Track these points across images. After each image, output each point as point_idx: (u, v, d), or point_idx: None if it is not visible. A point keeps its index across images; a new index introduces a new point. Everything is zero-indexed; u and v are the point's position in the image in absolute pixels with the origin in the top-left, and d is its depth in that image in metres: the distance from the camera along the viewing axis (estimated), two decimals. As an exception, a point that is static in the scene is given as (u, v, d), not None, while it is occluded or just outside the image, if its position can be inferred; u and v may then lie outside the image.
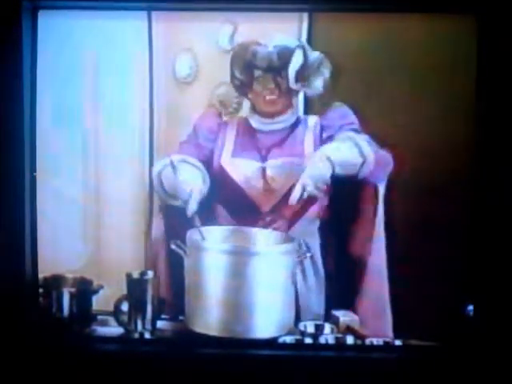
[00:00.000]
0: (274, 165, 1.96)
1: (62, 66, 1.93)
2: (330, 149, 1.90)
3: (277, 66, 1.91)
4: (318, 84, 1.92)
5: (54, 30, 1.90)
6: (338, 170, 1.88)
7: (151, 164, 1.99)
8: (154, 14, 1.93)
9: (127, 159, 1.98)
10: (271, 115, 1.97)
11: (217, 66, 1.93)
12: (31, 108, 1.87)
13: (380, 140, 1.90)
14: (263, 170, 1.96)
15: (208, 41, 1.93)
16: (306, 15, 1.91)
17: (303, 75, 1.92)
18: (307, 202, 1.92)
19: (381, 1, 1.89)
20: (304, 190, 1.88)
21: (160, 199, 1.98)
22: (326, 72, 1.91)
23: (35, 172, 1.90)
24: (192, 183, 1.92)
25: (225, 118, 2.00)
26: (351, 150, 1.89)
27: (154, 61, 1.96)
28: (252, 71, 1.92)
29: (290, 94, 1.95)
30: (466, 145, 1.85)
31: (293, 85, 1.92)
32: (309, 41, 1.92)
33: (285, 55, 1.90)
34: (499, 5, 1.77)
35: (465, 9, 1.84)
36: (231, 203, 1.97)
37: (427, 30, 1.88)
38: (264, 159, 1.97)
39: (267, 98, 1.94)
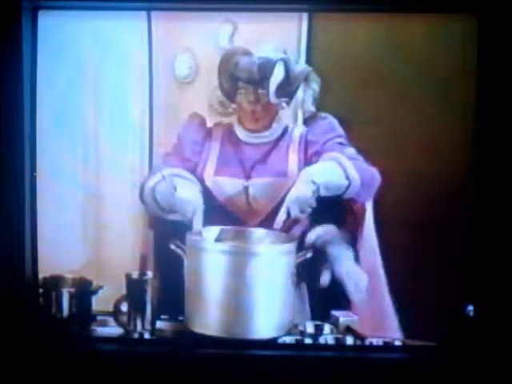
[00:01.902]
0: (256, 184, 1.94)
1: (61, 65, 1.93)
2: (314, 171, 1.89)
3: (257, 78, 1.89)
4: (308, 99, 1.91)
5: (53, 30, 1.90)
6: (323, 192, 1.88)
7: (151, 165, 1.99)
8: (153, 14, 1.92)
9: (127, 158, 1.98)
10: (255, 130, 1.96)
11: (216, 65, 1.92)
12: (31, 108, 1.87)
13: (371, 148, 1.89)
14: (246, 189, 1.95)
15: (208, 41, 1.92)
16: (305, 15, 1.91)
17: (284, 89, 1.90)
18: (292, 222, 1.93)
19: (381, 1, 1.88)
20: (289, 213, 1.88)
21: (151, 214, 1.96)
22: (315, 86, 1.90)
23: (35, 172, 1.90)
24: (194, 201, 1.91)
25: (209, 125, 1.97)
26: (336, 171, 1.88)
27: (153, 61, 1.96)
28: (235, 82, 1.91)
29: (274, 107, 1.93)
30: (465, 146, 1.85)
31: (273, 99, 1.90)
32: (308, 41, 1.92)
33: (266, 68, 1.89)
34: (500, 4, 1.77)
35: (465, 9, 1.84)
36: (215, 220, 1.95)
37: (427, 29, 1.87)
38: (247, 176, 1.95)
39: (250, 113, 1.93)
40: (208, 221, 1.93)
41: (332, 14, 1.91)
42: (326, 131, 1.92)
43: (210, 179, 1.96)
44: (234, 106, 1.97)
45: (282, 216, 1.88)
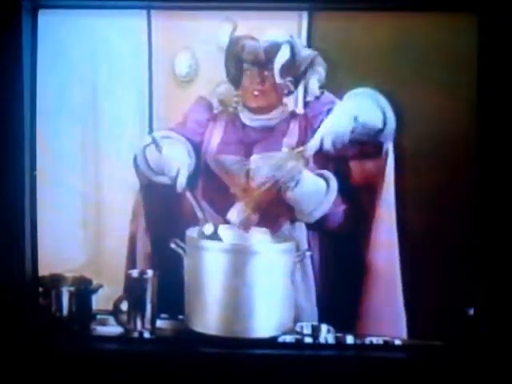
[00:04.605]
0: (256, 160, 1.92)
1: (61, 65, 1.93)
2: (356, 106, 1.84)
3: (263, 59, 1.89)
4: (314, 83, 1.90)
5: (53, 29, 1.90)
6: (358, 132, 1.84)
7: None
8: (153, 12, 1.92)
9: (127, 157, 1.97)
10: (259, 111, 1.95)
11: (216, 64, 1.92)
12: (31, 107, 1.88)
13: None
14: (247, 170, 1.93)
15: (207, 39, 1.92)
16: (305, 14, 1.91)
17: (290, 71, 1.89)
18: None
19: (381, 0, 1.89)
20: (321, 144, 1.85)
21: (142, 178, 1.95)
22: (321, 70, 1.89)
23: (35, 170, 1.90)
24: (179, 159, 1.92)
25: (215, 111, 1.97)
26: (376, 113, 1.84)
27: (153, 59, 1.96)
28: (241, 65, 1.91)
29: (279, 90, 1.92)
30: (467, 143, 1.85)
31: (279, 79, 1.89)
32: (308, 40, 1.92)
33: (272, 50, 1.88)
34: (500, 3, 1.77)
35: (466, 7, 1.84)
36: (215, 199, 1.94)
37: (428, 28, 1.87)
38: (248, 155, 1.94)
39: (253, 92, 1.92)
40: (207, 201, 1.94)
41: (332, 13, 1.91)
42: (327, 102, 1.90)
43: (212, 158, 1.95)
44: (234, 104, 1.97)
45: (315, 144, 1.84)
